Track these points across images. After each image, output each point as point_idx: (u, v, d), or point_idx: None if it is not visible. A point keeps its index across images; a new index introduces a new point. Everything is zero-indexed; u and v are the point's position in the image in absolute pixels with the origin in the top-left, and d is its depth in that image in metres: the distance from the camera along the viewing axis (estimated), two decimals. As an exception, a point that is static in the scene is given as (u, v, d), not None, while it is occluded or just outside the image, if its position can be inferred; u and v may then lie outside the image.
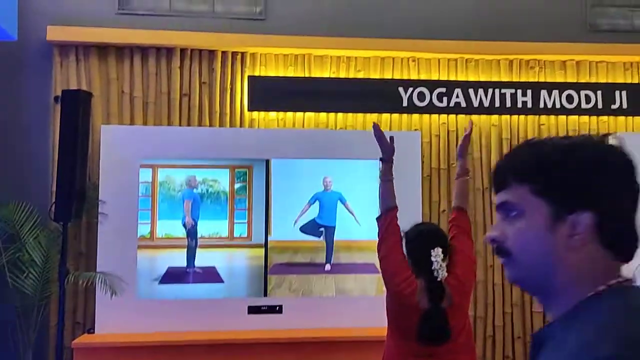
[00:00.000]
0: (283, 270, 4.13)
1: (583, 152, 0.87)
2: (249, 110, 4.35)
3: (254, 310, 4.00)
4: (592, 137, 0.91)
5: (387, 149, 2.37)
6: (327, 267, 4.17)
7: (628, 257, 0.87)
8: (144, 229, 4.02)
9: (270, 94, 4.33)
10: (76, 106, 3.31)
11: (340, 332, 3.91)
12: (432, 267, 2.18)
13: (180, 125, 4.27)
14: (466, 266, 2.29)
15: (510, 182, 0.91)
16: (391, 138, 2.38)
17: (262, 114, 4.39)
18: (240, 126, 4.35)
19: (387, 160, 2.38)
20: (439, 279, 2.18)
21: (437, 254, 2.20)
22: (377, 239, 2.35)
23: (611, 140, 0.89)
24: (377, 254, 2.34)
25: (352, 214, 4.20)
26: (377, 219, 2.38)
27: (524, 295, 4.53)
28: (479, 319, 4.48)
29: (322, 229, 4.19)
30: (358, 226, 4.20)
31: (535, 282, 0.90)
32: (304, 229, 4.17)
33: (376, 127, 2.43)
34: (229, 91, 4.37)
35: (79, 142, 3.34)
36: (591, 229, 0.84)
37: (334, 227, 4.20)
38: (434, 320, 2.16)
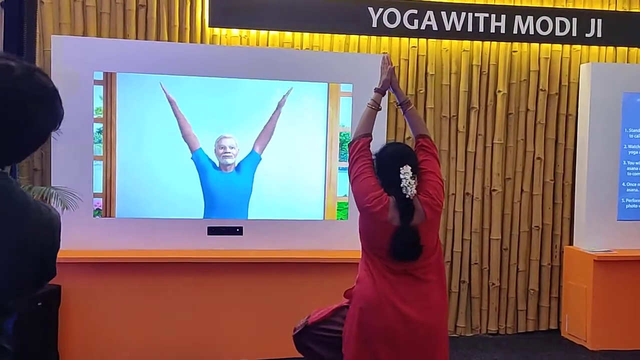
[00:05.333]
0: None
1: None
2: (209, 25, 4.14)
3: (213, 231, 4.00)
4: None
5: (386, 80, 2.51)
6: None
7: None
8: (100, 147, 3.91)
9: (233, 8, 4.11)
10: (21, 9, 3.09)
11: (302, 254, 3.94)
12: (401, 185, 2.20)
13: (136, 39, 4.06)
14: (437, 186, 2.34)
15: None
16: (391, 70, 2.51)
17: (224, 30, 4.19)
18: (201, 42, 4.15)
19: (381, 91, 2.52)
20: (407, 196, 2.21)
21: (405, 171, 2.23)
22: (348, 163, 2.39)
23: None
24: (348, 177, 2.38)
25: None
26: (349, 144, 2.42)
27: (483, 223, 4.60)
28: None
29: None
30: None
31: None
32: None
33: (386, 56, 2.56)
34: (188, 4, 4.14)
35: (24, 48, 3.15)
36: None
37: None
38: (405, 236, 2.22)
